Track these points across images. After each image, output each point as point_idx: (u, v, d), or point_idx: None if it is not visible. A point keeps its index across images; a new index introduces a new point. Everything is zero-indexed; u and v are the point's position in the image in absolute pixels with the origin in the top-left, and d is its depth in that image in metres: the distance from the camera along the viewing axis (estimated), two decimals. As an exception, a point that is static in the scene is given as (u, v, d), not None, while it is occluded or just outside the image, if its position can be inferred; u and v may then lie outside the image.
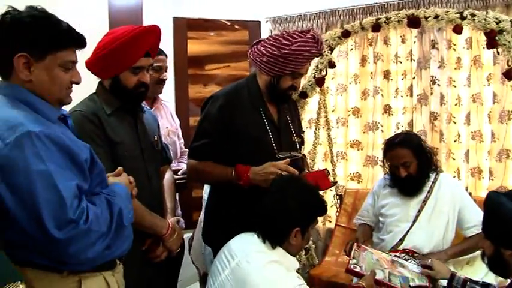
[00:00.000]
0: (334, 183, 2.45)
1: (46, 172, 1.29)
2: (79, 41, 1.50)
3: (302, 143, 2.43)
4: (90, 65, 1.96)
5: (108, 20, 3.29)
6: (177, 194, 2.84)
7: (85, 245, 1.34)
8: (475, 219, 2.50)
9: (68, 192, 1.31)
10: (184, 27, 4.04)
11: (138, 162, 2.01)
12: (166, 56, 2.82)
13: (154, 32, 1.98)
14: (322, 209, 1.99)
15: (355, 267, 2.24)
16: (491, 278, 2.54)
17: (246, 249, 1.88)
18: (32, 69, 1.41)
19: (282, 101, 2.32)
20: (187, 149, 2.99)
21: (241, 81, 2.36)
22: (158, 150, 2.21)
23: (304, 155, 2.56)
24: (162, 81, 2.77)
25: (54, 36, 1.43)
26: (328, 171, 2.36)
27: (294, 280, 1.83)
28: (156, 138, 2.20)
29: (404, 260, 2.43)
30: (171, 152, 2.74)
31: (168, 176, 2.29)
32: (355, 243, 2.49)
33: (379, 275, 2.27)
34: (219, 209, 2.34)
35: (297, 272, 1.97)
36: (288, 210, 1.86)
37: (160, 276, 2.12)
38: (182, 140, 3.06)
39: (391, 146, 2.60)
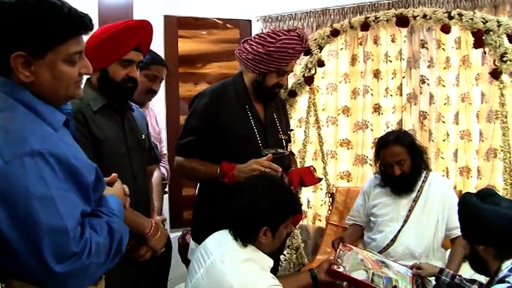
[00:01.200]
0: (320, 179, 2.45)
1: (49, 198, 1.15)
2: (84, 26, 1.31)
3: (289, 140, 2.44)
4: None
5: (98, 18, 3.28)
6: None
7: (84, 277, 1.25)
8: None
9: (71, 222, 1.18)
10: (175, 25, 4.04)
11: (123, 160, 2.00)
12: (167, 69, 2.78)
13: (145, 27, 1.96)
14: (293, 208, 1.97)
15: (338, 268, 2.25)
16: (478, 276, 2.57)
17: (220, 248, 1.88)
18: (32, 68, 1.24)
19: (268, 98, 2.33)
20: (167, 153, 3.01)
21: (228, 79, 2.38)
22: (145, 149, 2.20)
23: (291, 152, 2.57)
24: (154, 92, 2.71)
25: (52, 28, 1.24)
26: (314, 168, 2.37)
27: (268, 280, 1.82)
28: (143, 137, 2.19)
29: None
30: None
31: (156, 175, 2.29)
32: (341, 243, 2.50)
33: (362, 276, 2.28)
34: (206, 207, 2.35)
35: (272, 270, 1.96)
36: (255, 208, 1.85)
37: (147, 276, 2.11)
38: (164, 144, 3.05)
39: (385, 143, 2.59)
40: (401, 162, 2.53)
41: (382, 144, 2.61)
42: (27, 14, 1.21)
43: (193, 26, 4.11)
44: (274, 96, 2.36)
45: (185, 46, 4.09)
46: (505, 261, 1.71)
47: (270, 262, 1.91)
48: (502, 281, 1.66)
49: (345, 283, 2.42)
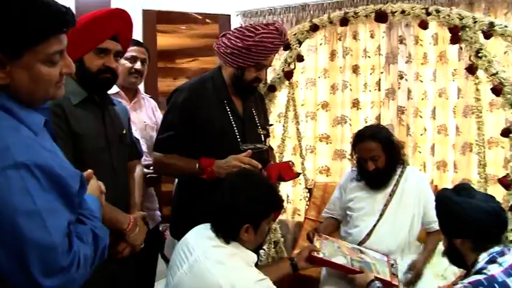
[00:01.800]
0: (298, 174, 2.45)
1: (35, 212, 1.10)
2: (65, 23, 1.20)
3: (267, 135, 2.44)
4: None
5: (75, 11, 3.23)
6: (153, 189, 2.83)
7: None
8: (434, 215, 2.56)
9: (59, 235, 1.13)
10: (154, 19, 4.00)
11: (103, 155, 1.97)
12: (144, 47, 2.76)
13: (122, 17, 1.93)
14: (274, 205, 1.94)
15: (318, 254, 2.26)
16: (454, 268, 2.61)
17: (203, 244, 1.85)
18: (7, 69, 1.14)
19: (247, 93, 2.33)
20: None
21: (206, 74, 2.37)
22: (126, 144, 2.18)
23: (270, 147, 2.57)
24: (137, 72, 2.70)
25: (30, 27, 1.13)
26: (293, 163, 2.38)
27: (254, 275, 1.81)
28: (124, 132, 2.16)
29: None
30: (147, 147, 2.72)
31: (137, 170, 2.26)
32: (316, 233, 2.52)
33: (342, 261, 2.31)
34: (185, 203, 2.34)
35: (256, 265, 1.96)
36: (236, 206, 1.82)
37: (127, 272, 2.09)
38: None
39: (361, 138, 2.60)
40: (375, 158, 2.54)
41: (358, 139, 2.62)
42: (0, 11, 1.10)
43: (172, 20, 4.08)
44: (253, 91, 2.36)
45: (164, 41, 4.05)
46: (482, 254, 1.73)
47: (254, 257, 1.90)
48: (479, 272, 1.69)
49: (323, 271, 2.45)
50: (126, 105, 2.51)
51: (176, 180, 2.58)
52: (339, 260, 2.32)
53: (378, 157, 2.54)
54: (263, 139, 2.36)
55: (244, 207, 1.82)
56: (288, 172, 2.30)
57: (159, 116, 2.94)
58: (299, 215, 4.12)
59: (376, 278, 2.20)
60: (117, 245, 1.96)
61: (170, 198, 3.22)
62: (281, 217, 4.05)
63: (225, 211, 1.85)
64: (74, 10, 2.59)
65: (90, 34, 1.86)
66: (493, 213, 1.73)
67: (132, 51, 2.63)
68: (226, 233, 1.85)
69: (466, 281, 1.68)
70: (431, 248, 2.57)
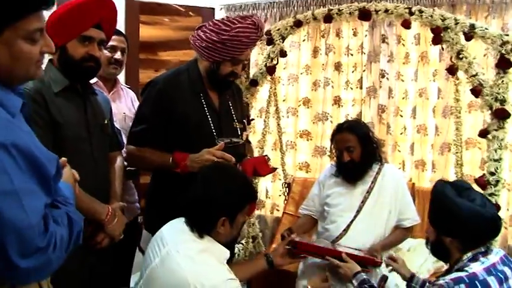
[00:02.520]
0: (275, 169, 2.44)
1: (13, 193, 1.10)
2: (45, 0, 1.21)
3: (244, 129, 2.42)
4: None
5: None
6: (131, 181, 2.80)
7: (48, 271, 1.22)
8: (407, 212, 2.59)
9: (36, 216, 1.13)
10: (137, 10, 3.95)
11: (84, 145, 1.95)
12: (124, 37, 2.72)
13: (108, 5, 1.92)
14: (250, 197, 1.93)
15: (296, 239, 2.27)
16: (429, 264, 2.65)
17: (176, 238, 1.84)
18: None
19: (223, 87, 2.30)
20: None
21: (182, 67, 2.33)
22: (108, 134, 2.15)
23: (247, 140, 2.56)
24: (117, 62, 2.65)
25: (10, 3, 1.14)
26: (269, 158, 2.37)
27: (223, 273, 1.79)
28: (106, 122, 2.14)
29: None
30: (126, 138, 2.69)
31: (118, 161, 2.23)
32: (290, 234, 2.52)
33: (323, 244, 2.33)
34: (159, 196, 2.32)
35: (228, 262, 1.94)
36: (212, 199, 1.81)
37: (105, 264, 2.07)
38: None
39: (339, 130, 2.64)
40: (350, 149, 2.57)
41: (337, 130, 2.66)
42: None
43: (156, 11, 4.04)
44: (229, 85, 2.33)
45: (147, 32, 4.01)
46: (467, 253, 1.75)
47: (227, 254, 1.88)
48: (460, 269, 1.71)
49: (300, 266, 2.46)
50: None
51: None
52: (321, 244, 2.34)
53: (354, 148, 2.56)
54: (239, 133, 2.35)
55: (220, 200, 1.81)
56: (263, 167, 2.29)
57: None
58: (278, 210, 4.13)
59: (365, 260, 2.20)
60: (95, 236, 1.95)
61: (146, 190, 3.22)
62: (260, 212, 4.07)
63: (200, 204, 1.83)
64: (54, -1, 2.48)
65: (74, 21, 1.84)
66: (491, 220, 1.73)
67: (112, 40, 2.54)
68: (201, 227, 1.83)
69: (447, 277, 1.69)
70: (392, 239, 2.57)
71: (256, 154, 2.94)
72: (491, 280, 1.64)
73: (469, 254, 1.74)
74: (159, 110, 2.18)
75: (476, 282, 1.63)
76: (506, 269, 1.70)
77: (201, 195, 1.83)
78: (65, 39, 1.87)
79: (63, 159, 1.53)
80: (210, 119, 2.23)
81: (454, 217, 1.74)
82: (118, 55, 2.65)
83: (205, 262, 1.77)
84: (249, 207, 2.19)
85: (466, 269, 1.69)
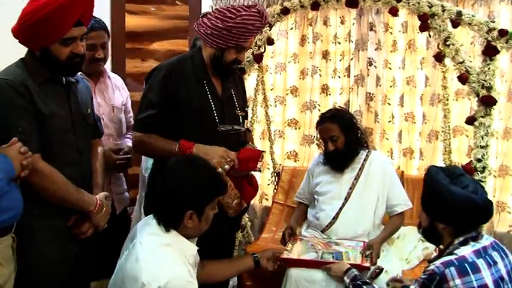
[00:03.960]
0: (259, 170, 2.44)
1: None
2: None
3: (246, 117, 2.45)
4: (16, 33, 1.83)
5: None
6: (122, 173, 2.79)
7: None
8: (398, 198, 2.62)
9: None
10: (123, -1, 3.91)
11: (68, 136, 1.94)
12: (105, 30, 2.58)
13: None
14: (217, 190, 1.89)
15: (283, 254, 2.33)
16: (419, 251, 2.67)
17: (143, 231, 1.82)
18: None
19: (227, 74, 2.32)
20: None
21: (186, 54, 2.38)
22: (90, 124, 2.13)
23: (248, 129, 2.57)
24: (98, 60, 2.55)
25: None
26: (263, 156, 2.36)
27: (180, 272, 1.72)
28: (89, 111, 2.12)
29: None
30: (115, 130, 2.66)
31: (99, 150, 2.20)
32: (292, 237, 2.58)
33: (312, 256, 2.35)
34: None
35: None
36: (177, 192, 1.77)
37: (89, 252, 2.07)
38: (131, 114, 2.89)
39: (322, 120, 2.68)
40: (334, 139, 2.60)
41: (319, 121, 2.70)
42: None
43: (142, 0, 4.00)
44: (232, 72, 2.35)
45: (133, 21, 3.97)
46: (459, 237, 1.78)
47: (193, 249, 1.85)
48: (451, 253, 1.75)
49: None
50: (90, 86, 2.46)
51: (146, 163, 2.55)
52: (309, 256, 2.36)
53: (337, 137, 2.60)
54: (241, 120, 2.36)
55: (186, 193, 1.77)
56: (252, 164, 2.28)
57: (127, 93, 2.88)
58: (267, 199, 4.12)
59: (351, 265, 2.23)
60: (80, 226, 1.94)
61: (137, 180, 3.20)
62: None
63: (165, 197, 1.80)
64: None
65: (54, 25, 1.78)
66: (483, 206, 1.76)
67: (90, 39, 2.43)
68: (168, 221, 1.80)
69: (438, 262, 1.71)
70: (390, 229, 2.62)
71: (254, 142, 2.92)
72: (480, 263, 1.68)
73: (461, 239, 1.77)
74: (164, 95, 2.19)
75: (466, 264, 1.67)
76: (495, 254, 1.74)
77: (167, 187, 1.80)
78: (47, 42, 1.82)
79: (13, 139, 1.62)
80: (213, 106, 2.25)
81: (448, 204, 1.76)
82: (99, 53, 2.53)
83: (164, 256, 1.73)
84: (245, 196, 2.21)
85: (455, 252, 1.72)
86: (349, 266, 2.19)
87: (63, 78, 1.96)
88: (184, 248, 1.81)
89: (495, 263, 1.71)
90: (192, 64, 2.28)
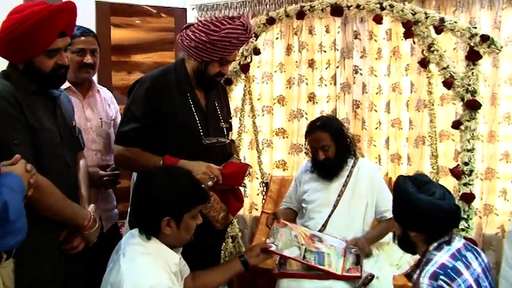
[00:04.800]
0: (244, 186, 2.43)
1: None
2: None
3: (230, 128, 2.43)
4: None
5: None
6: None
7: None
8: (387, 204, 2.62)
9: None
10: (108, 12, 3.89)
11: (58, 149, 1.91)
12: (94, 37, 2.52)
13: (67, 9, 1.83)
14: (196, 198, 1.85)
15: (271, 246, 2.30)
16: (408, 256, 2.68)
17: (127, 241, 1.82)
18: None
19: (210, 87, 2.30)
20: None
21: (169, 66, 2.34)
22: (75, 136, 2.11)
23: (232, 140, 2.56)
24: (88, 66, 2.46)
25: None
26: (249, 171, 2.35)
27: (161, 279, 1.70)
28: (74, 124, 2.10)
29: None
30: (103, 145, 2.61)
31: (81, 162, 2.16)
32: (275, 221, 2.53)
33: (295, 253, 2.36)
34: None
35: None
36: (154, 198, 1.77)
37: (79, 269, 2.03)
38: None
39: (312, 129, 2.66)
40: (325, 148, 2.59)
41: (309, 129, 2.69)
42: None
43: (127, 13, 3.98)
44: (216, 85, 2.34)
45: (118, 34, 3.96)
46: (433, 243, 1.81)
47: (175, 258, 1.83)
48: (428, 262, 1.77)
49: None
50: (79, 101, 2.43)
51: (133, 174, 2.53)
52: (292, 251, 2.37)
53: (328, 147, 2.59)
54: (225, 132, 2.35)
55: (162, 199, 1.77)
56: (237, 179, 2.28)
57: (116, 108, 2.83)
58: (256, 209, 4.12)
59: (344, 277, 2.22)
60: (72, 240, 1.92)
61: (126, 194, 3.17)
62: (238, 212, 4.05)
63: (144, 203, 1.81)
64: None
65: (37, 37, 1.76)
66: (450, 211, 1.80)
67: (79, 43, 2.41)
68: (147, 228, 1.80)
69: (423, 278, 1.71)
70: (379, 230, 2.62)
71: (238, 153, 2.92)
72: (459, 265, 1.72)
73: (435, 244, 1.81)
74: (147, 109, 2.16)
75: (449, 270, 1.70)
76: (469, 254, 1.78)
77: (145, 193, 1.80)
78: (30, 55, 1.80)
79: (16, 156, 1.56)
80: (197, 119, 2.23)
81: (417, 212, 1.80)
82: (88, 58, 2.46)
83: (145, 264, 1.72)
84: (230, 208, 2.20)
85: (432, 259, 1.75)
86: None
87: (48, 91, 1.94)
88: (166, 256, 1.80)
89: (470, 264, 1.75)
90: (176, 76, 2.25)
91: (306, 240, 2.45)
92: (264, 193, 3.67)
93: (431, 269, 1.72)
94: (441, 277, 1.68)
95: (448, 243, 1.80)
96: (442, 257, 1.74)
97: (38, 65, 1.82)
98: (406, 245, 1.94)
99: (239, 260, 2.22)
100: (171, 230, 1.78)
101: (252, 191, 4.17)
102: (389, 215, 2.61)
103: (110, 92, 2.85)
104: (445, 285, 1.66)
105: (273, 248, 2.30)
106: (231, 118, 2.53)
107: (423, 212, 1.78)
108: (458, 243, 1.82)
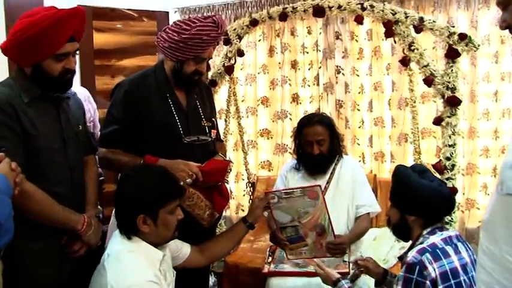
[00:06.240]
0: (226, 182, 2.44)
1: None
2: None
3: (213, 127, 2.44)
4: (7, 51, 1.82)
5: (4, 5, 3.12)
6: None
7: None
8: (364, 199, 2.65)
9: None
10: (90, 16, 3.87)
11: (58, 155, 1.91)
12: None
13: (77, 14, 1.86)
14: (168, 193, 1.82)
15: (273, 197, 2.36)
16: (395, 251, 2.72)
17: (111, 242, 1.83)
18: None
19: (189, 85, 2.33)
20: None
21: (148, 69, 2.37)
22: (82, 140, 2.12)
23: (219, 138, 2.58)
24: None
25: None
26: (231, 167, 2.36)
27: (146, 275, 1.70)
28: (80, 128, 2.10)
29: None
30: None
31: (92, 165, 2.19)
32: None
33: (286, 218, 2.39)
34: None
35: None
36: (125, 198, 1.78)
37: (82, 271, 2.02)
38: (99, 127, 2.86)
39: (309, 122, 2.66)
40: (321, 142, 2.62)
41: (306, 123, 2.68)
42: None
43: (109, 17, 3.98)
44: (195, 83, 2.36)
45: (101, 38, 3.96)
46: (427, 228, 1.90)
47: (158, 255, 1.83)
48: (421, 243, 1.85)
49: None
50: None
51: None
52: (284, 218, 2.39)
53: (324, 141, 2.61)
54: (207, 131, 2.37)
55: (134, 196, 1.76)
56: (219, 176, 2.29)
57: (94, 107, 2.92)
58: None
59: (341, 274, 2.24)
60: (72, 245, 1.93)
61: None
62: (225, 213, 4.07)
63: (118, 204, 1.82)
64: (2, 5, 2.37)
65: (47, 41, 1.78)
66: (448, 197, 1.93)
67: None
68: (126, 228, 1.80)
69: (411, 253, 1.80)
70: (358, 231, 2.60)
71: (226, 152, 2.93)
72: (449, 249, 1.80)
73: (429, 229, 1.89)
74: (126, 111, 2.20)
75: (437, 250, 1.77)
76: (460, 244, 1.85)
77: (118, 194, 1.81)
78: (39, 59, 1.82)
79: (1, 154, 1.54)
80: (177, 119, 2.25)
81: (418, 196, 1.89)
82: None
83: (131, 261, 1.73)
84: (214, 206, 2.21)
85: (426, 241, 1.84)
86: (338, 276, 2.19)
87: (53, 96, 1.95)
88: (148, 253, 1.80)
89: (460, 252, 1.82)
90: (155, 79, 2.29)
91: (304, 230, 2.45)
92: (250, 193, 3.70)
93: (421, 246, 1.80)
94: (427, 254, 1.75)
95: (441, 229, 1.88)
96: (433, 239, 1.83)
97: (46, 68, 1.84)
98: (402, 231, 2.00)
99: (242, 224, 2.28)
100: (149, 227, 1.77)
101: (237, 191, 4.19)
102: (364, 210, 2.63)
103: (85, 91, 2.96)
104: (426, 261, 1.73)
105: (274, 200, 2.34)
106: (214, 117, 2.54)
107: (425, 196, 1.88)
108: (450, 232, 1.90)
